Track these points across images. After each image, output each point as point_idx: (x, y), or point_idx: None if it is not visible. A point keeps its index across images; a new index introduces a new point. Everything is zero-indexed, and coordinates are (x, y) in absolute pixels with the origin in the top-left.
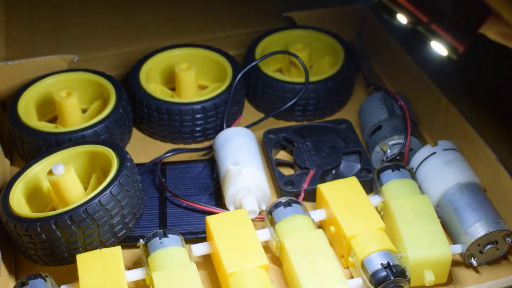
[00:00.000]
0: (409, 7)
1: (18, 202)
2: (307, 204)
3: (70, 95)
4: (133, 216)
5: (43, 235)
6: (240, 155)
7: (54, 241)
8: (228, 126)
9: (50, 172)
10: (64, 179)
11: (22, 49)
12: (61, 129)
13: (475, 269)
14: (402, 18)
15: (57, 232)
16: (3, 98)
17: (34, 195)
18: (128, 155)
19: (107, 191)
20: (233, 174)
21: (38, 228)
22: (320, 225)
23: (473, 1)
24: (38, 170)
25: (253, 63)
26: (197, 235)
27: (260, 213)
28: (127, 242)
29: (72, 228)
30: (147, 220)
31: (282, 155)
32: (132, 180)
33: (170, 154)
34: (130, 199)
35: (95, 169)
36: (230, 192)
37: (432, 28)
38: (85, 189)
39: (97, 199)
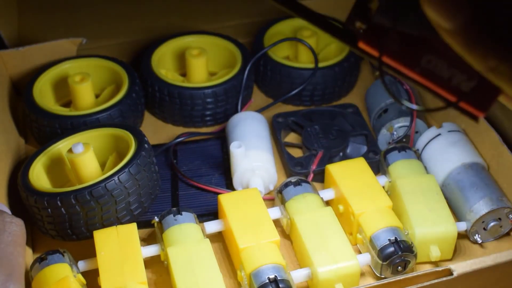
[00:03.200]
0: (436, 89)
1: (38, 178)
2: (316, 185)
3: (84, 80)
4: (148, 196)
5: (62, 209)
6: (248, 137)
7: (73, 216)
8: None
9: (70, 151)
10: (83, 158)
11: (34, 36)
12: (76, 112)
13: (480, 246)
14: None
15: (76, 206)
16: (16, 83)
17: (53, 173)
18: (145, 138)
19: (126, 170)
20: (237, 156)
21: (58, 202)
22: (329, 205)
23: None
24: (57, 150)
25: (264, 50)
26: (209, 216)
27: (270, 193)
28: (141, 226)
29: (91, 204)
30: (159, 202)
31: (291, 138)
32: (149, 161)
33: (181, 138)
34: (147, 180)
35: (112, 152)
36: (237, 174)
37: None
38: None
39: (116, 177)
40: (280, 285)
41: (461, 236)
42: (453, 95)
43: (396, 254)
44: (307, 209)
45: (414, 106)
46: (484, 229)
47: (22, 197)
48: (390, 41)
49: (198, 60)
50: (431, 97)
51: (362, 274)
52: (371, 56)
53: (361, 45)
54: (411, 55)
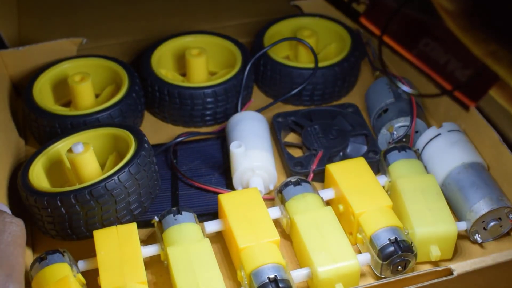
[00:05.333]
0: (431, 73)
1: (38, 177)
2: (316, 185)
3: (84, 80)
4: (148, 196)
5: (62, 208)
6: (248, 137)
7: (72, 215)
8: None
9: (70, 150)
10: (83, 157)
11: (34, 36)
12: (76, 112)
13: (480, 246)
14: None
15: (76, 206)
16: (16, 82)
17: (52, 173)
18: (145, 137)
19: (126, 169)
20: (237, 156)
21: (58, 202)
22: (329, 204)
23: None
24: (57, 150)
25: (264, 49)
26: (209, 216)
27: (270, 193)
28: (141, 226)
29: (91, 203)
30: (159, 202)
31: (291, 138)
32: (149, 161)
33: (181, 138)
34: (147, 179)
35: (112, 152)
36: (236, 173)
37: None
38: None
39: (116, 176)
40: (280, 285)
41: (461, 236)
42: (448, 82)
43: (396, 253)
44: (307, 208)
45: (408, 89)
46: (484, 229)
47: (22, 197)
48: (392, 21)
49: (198, 60)
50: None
51: (362, 274)
52: (371, 32)
53: (363, 20)
54: (410, 37)
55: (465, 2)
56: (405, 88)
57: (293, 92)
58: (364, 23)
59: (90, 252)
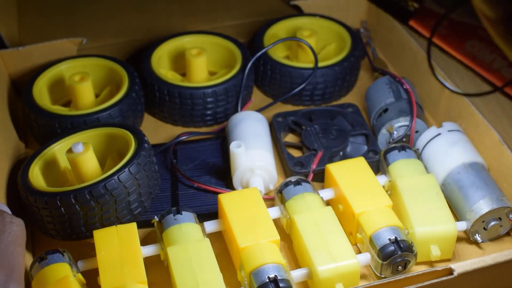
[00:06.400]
0: (479, 70)
1: (37, 177)
2: (316, 185)
3: (84, 79)
4: (148, 196)
5: (62, 208)
6: (248, 137)
7: (72, 215)
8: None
9: (70, 151)
10: (83, 157)
11: (34, 36)
12: (76, 112)
13: (480, 246)
14: None
15: (76, 206)
16: (16, 82)
17: (51, 173)
18: (145, 137)
19: (126, 169)
20: (237, 156)
21: (58, 202)
22: (329, 204)
23: None
24: (56, 150)
25: (264, 49)
26: (209, 216)
27: (269, 193)
28: (141, 226)
29: (90, 203)
30: (159, 202)
31: (291, 138)
32: (149, 161)
33: (181, 138)
34: (147, 179)
35: (112, 151)
36: (236, 173)
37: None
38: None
39: (116, 176)
40: (280, 285)
41: (461, 236)
42: (495, 78)
43: (396, 253)
44: (307, 208)
45: (456, 89)
46: (484, 228)
47: (21, 197)
48: (440, 25)
49: (198, 60)
50: (429, 97)
51: (362, 274)
52: (420, 34)
53: (413, 23)
54: (457, 39)
55: (504, 11)
56: (456, 89)
57: (293, 92)
58: (413, 26)
59: (90, 252)
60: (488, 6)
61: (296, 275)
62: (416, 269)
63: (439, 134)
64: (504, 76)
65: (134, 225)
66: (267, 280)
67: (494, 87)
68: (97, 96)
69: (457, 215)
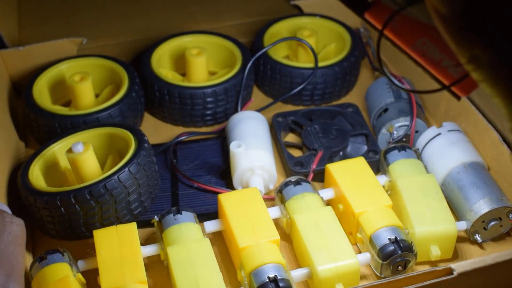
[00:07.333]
0: (427, 67)
1: (37, 177)
2: (316, 185)
3: (84, 79)
4: (148, 196)
5: (62, 208)
6: (248, 137)
7: (72, 215)
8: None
9: (70, 150)
10: (83, 157)
11: (34, 36)
12: (75, 112)
13: (480, 246)
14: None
15: (76, 206)
16: (16, 82)
17: (51, 173)
18: (145, 137)
19: (126, 169)
20: (237, 156)
21: (58, 202)
22: (329, 204)
23: None
24: (56, 150)
25: (264, 49)
26: (209, 216)
27: (269, 193)
28: (141, 226)
29: (90, 203)
30: (159, 202)
31: (291, 138)
32: (149, 161)
33: (181, 138)
34: (147, 179)
35: (112, 151)
36: (236, 173)
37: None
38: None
39: (116, 176)
40: (280, 285)
41: (461, 235)
42: (443, 76)
43: (396, 253)
44: (307, 208)
45: (406, 86)
46: (484, 228)
47: (22, 197)
48: (393, 20)
49: (198, 60)
50: (429, 97)
51: (362, 274)
52: (374, 27)
53: (367, 16)
54: (409, 34)
55: (456, 6)
56: (404, 86)
57: (293, 92)
58: (368, 18)
59: (90, 252)
60: (442, 1)
61: (296, 275)
62: (416, 269)
63: (439, 134)
64: (451, 75)
65: (134, 225)
66: (267, 280)
67: (442, 85)
68: (97, 96)
69: (457, 215)
